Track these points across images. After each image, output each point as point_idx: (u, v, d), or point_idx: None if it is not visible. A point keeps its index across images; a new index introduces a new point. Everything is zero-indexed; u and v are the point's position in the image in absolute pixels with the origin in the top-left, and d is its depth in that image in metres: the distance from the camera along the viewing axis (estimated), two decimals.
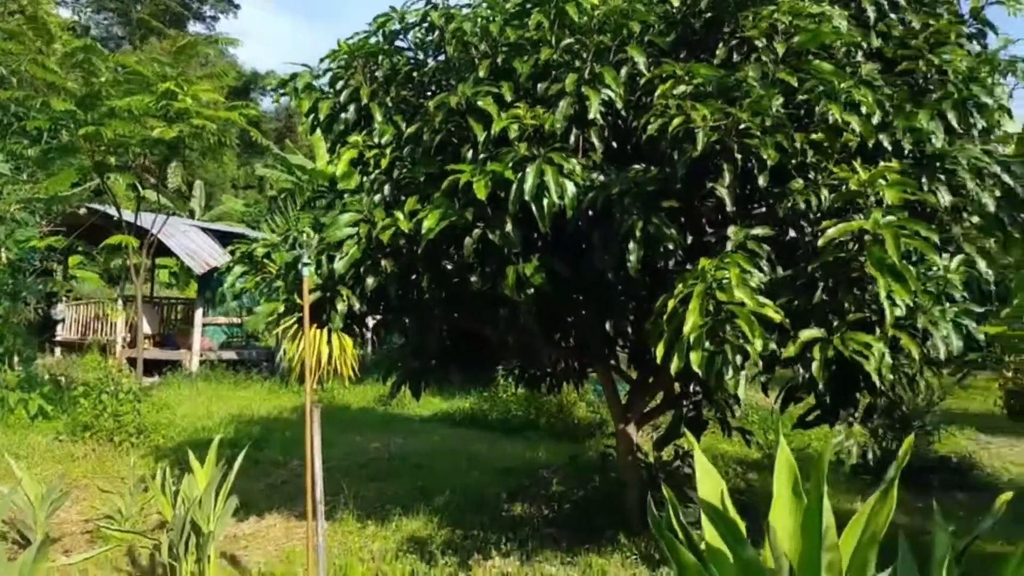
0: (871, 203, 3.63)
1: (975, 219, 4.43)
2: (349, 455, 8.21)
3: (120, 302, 14.82)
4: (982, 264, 4.12)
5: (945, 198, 4.02)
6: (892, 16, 4.52)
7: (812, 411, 4.46)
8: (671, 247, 3.89)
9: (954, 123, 4.17)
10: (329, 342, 12.84)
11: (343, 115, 4.86)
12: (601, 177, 4.12)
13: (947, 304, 3.86)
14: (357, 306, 4.56)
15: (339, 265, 4.30)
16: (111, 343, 14.50)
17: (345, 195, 5.19)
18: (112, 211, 12.51)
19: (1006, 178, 4.54)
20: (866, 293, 3.76)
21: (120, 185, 12.33)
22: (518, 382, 6.57)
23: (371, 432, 9.53)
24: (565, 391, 8.92)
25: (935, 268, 3.90)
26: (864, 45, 4.25)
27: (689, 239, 4.37)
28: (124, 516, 5.50)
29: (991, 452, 9.31)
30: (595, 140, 4.27)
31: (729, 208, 3.96)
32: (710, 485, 2.40)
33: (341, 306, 4.50)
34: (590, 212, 4.14)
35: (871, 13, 4.35)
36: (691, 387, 5.36)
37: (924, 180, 4.00)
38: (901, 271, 3.40)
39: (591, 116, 3.99)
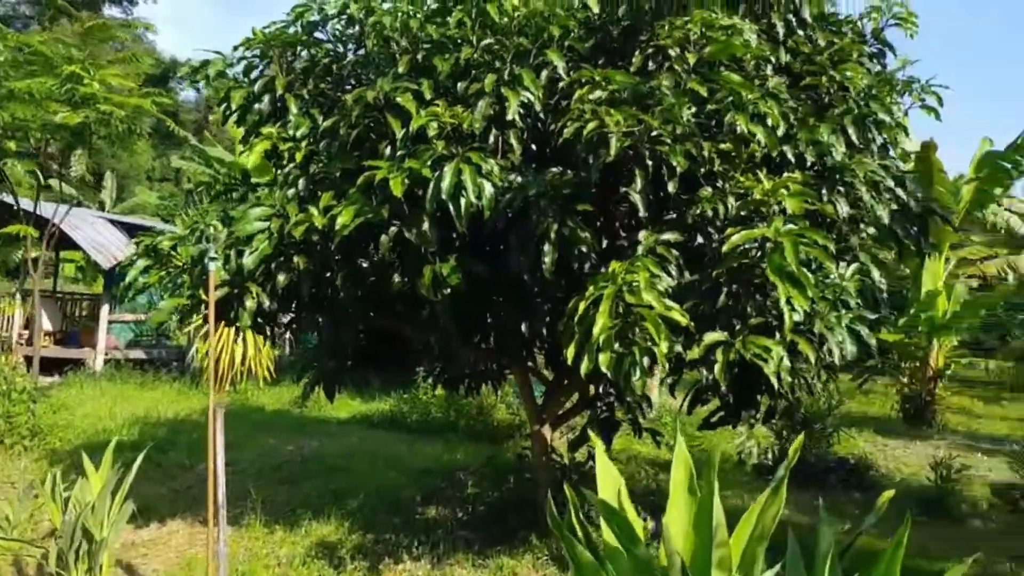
0: (774, 212, 3.77)
1: (871, 230, 4.67)
2: (261, 458, 7.96)
3: (18, 296, 13.95)
4: (876, 273, 4.34)
5: (844, 209, 4.21)
6: (800, 33, 4.71)
7: (716, 412, 4.59)
8: (585, 250, 3.94)
9: (854, 138, 4.38)
10: (244, 342, 12.42)
11: (257, 105, 4.72)
12: (519, 179, 4.13)
13: (843, 311, 4.05)
14: (267, 304, 4.42)
15: (248, 260, 4.16)
16: (5, 340, 13.64)
17: (259, 188, 5.04)
18: (9, 199, 11.78)
19: (900, 192, 4.81)
20: (768, 299, 3.90)
21: (19, 172, 11.60)
22: (435, 383, 6.52)
23: (286, 435, 9.27)
24: (485, 393, 8.93)
25: (832, 276, 4.09)
26: (773, 60, 4.41)
27: (604, 243, 4.45)
28: (12, 524, 5.17)
29: (887, 453, 9.82)
30: (514, 142, 4.28)
31: (642, 213, 4.04)
32: (609, 484, 2.43)
33: (250, 303, 4.36)
34: (508, 213, 4.15)
35: (780, 29, 4.53)
36: (604, 389, 5.45)
37: (824, 191, 4.18)
38: (799, 278, 3.54)
39: (510, 117, 4.00)
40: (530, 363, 5.83)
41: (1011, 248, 13.65)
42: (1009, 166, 11.75)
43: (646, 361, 3.60)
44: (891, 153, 5.44)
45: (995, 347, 18.48)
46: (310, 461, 7.87)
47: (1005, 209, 13.28)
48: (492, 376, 6.21)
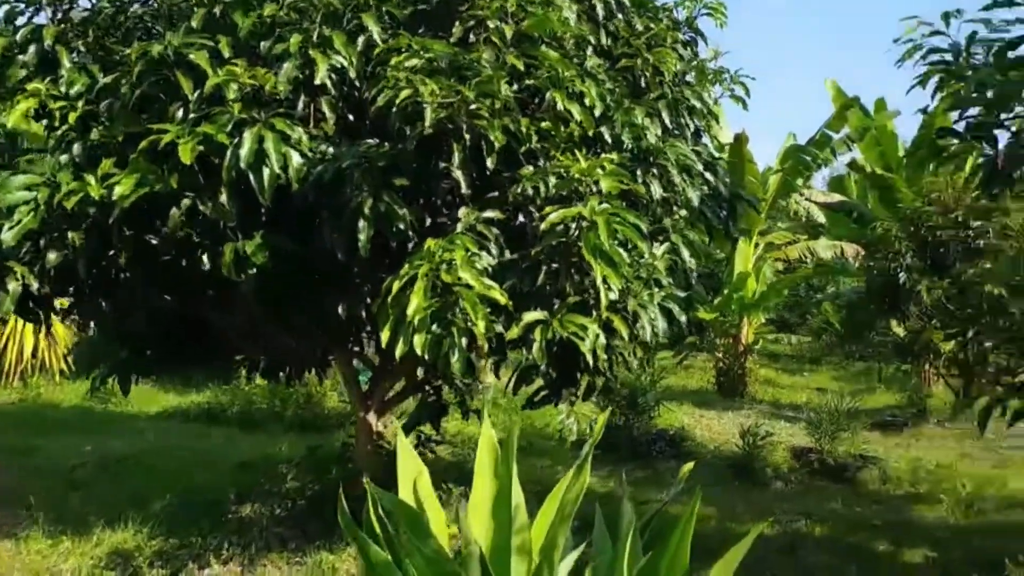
0: (591, 191, 3.78)
1: (683, 212, 4.85)
2: (50, 461, 7.08)
3: None
4: (686, 253, 4.51)
5: (657, 191, 4.33)
6: (619, 16, 4.78)
7: (540, 391, 4.60)
8: (403, 227, 3.75)
9: (667, 122, 4.52)
10: (36, 332, 10.99)
11: (21, 57, 4.07)
12: (332, 150, 3.86)
13: (655, 289, 4.16)
14: (36, 286, 3.84)
15: (7, 236, 3.58)
16: None
17: (31, 154, 4.37)
18: None
19: (710, 177, 5.04)
20: (586, 277, 3.93)
21: None
22: (250, 372, 6.07)
23: (84, 434, 8.34)
24: (314, 380, 8.53)
25: (646, 256, 4.19)
26: (593, 41, 4.43)
27: (429, 221, 4.28)
28: None
29: (703, 424, 10.52)
30: (327, 110, 4.00)
31: (464, 190, 3.92)
32: (409, 475, 2.28)
33: (13, 285, 3.76)
34: (320, 187, 3.87)
35: (600, 11, 4.56)
36: (432, 372, 5.31)
37: (640, 173, 4.27)
38: (613, 256, 3.58)
39: (318, 82, 3.71)
40: (357, 347, 5.57)
41: (810, 235, 15.06)
42: (809, 159, 12.93)
43: (464, 342, 3.50)
44: (704, 140, 5.72)
45: (797, 324, 20.45)
46: (110, 462, 7.11)
47: (806, 199, 14.60)
48: (314, 362, 5.86)
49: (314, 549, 4.78)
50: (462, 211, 3.83)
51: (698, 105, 4.75)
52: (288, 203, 3.90)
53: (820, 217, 15.09)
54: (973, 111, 4.19)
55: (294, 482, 5.95)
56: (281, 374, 6.10)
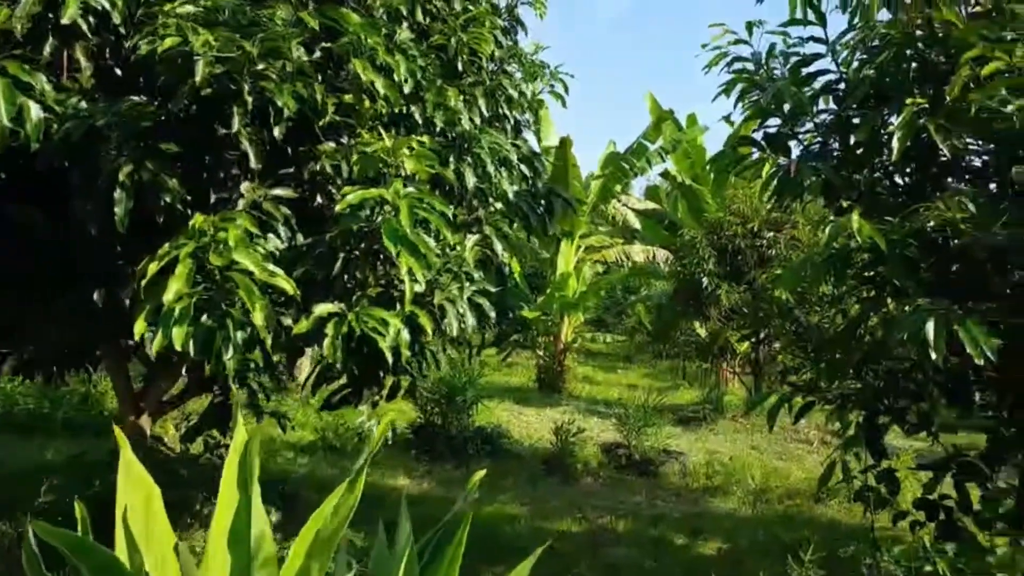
0: (396, 173, 3.43)
1: (499, 205, 4.64)
2: None
3: None
4: (499, 246, 4.29)
5: (471, 180, 4.07)
6: None
7: (341, 391, 4.19)
8: (170, 199, 3.18)
9: (484, 109, 4.27)
10: None
11: None
12: (85, 105, 3.21)
13: (466, 283, 3.89)
14: None
15: None
16: None
17: None
18: None
19: (527, 171, 4.86)
20: (391, 268, 3.58)
21: None
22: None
23: None
24: (98, 378, 7.47)
25: (457, 247, 3.92)
26: (406, 12, 4.08)
27: (213, 198, 3.71)
28: None
29: (521, 420, 10.52)
30: (82, 59, 3.33)
31: (253, 164, 3.42)
32: (129, 496, 1.81)
33: None
34: (71, 148, 3.20)
35: None
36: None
37: (453, 160, 3.98)
38: (418, 245, 3.25)
39: (67, 21, 3.05)
40: (131, 340, 4.81)
41: (626, 239, 15.70)
42: (627, 167, 13.43)
43: (239, 336, 3.02)
44: (525, 135, 5.56)
45: (613, 324, 21.35)
46: None
47: (624, 205, 15.20)
48: (77, 359, 5.00)
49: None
50: (245, 186, 3.33)
51: (516, 96, 4.55)
52: (30, 166, 3.21)
53: (636, 223, 15.78)
54: (773, 121, 4.32)
55: (50, 495, 5.06)
56: (38, 373, 5.16)
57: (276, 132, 3.19)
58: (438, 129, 3.98)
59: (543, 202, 5.24)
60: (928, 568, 2.58)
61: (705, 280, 11.32)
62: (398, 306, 3.53)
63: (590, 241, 14.88)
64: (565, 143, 12.77)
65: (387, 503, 5.28)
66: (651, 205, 15.77)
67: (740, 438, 9.59)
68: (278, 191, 3.44)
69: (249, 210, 3.27)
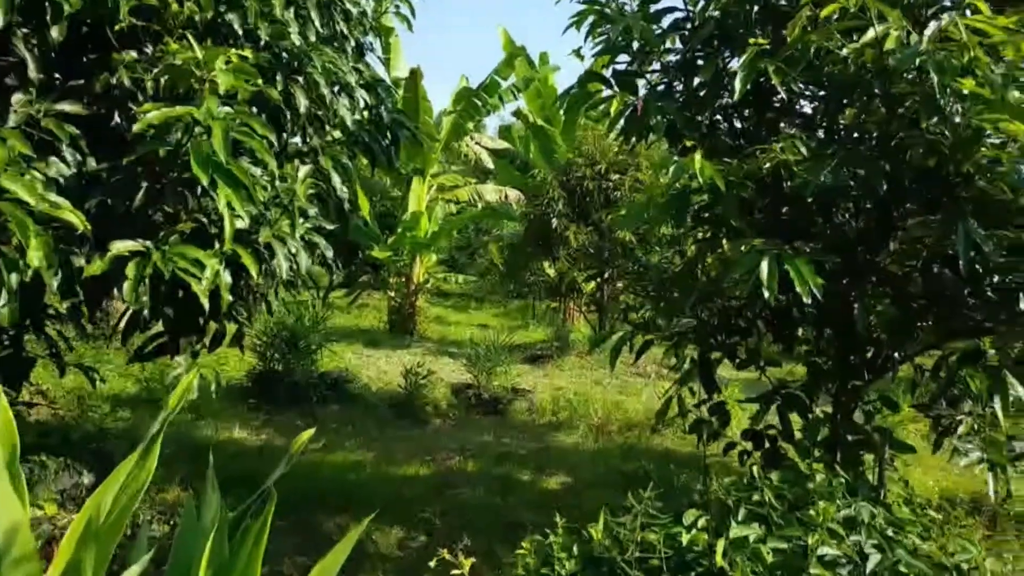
0: (214, 91, 2.97)
1: (338, 134, 4.25)
2: None
3: None
4: (337, 179, 3.93)
5: (303, 103, 3.65)
6: None
7: (156, 339, 3.72)
8: None
9: (317, 24, 3.83)
10: None
11: None
12: None
13: (299, 220, 3.53)
14: None
15: None
16: None
17: None
18: None
19: (368, 98, 4.48)
20: (210, 201, 3.15)
21: None
22: None
23: None
24: None
25: (288, 179, 3.53)
26: None
27: None
28: None
29: (371, 364, 10.24)
30: None
31: (32, 73, 2.85)
32: None
33: None
34: None
35: None
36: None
37: (280, 79, 3.55)
38: (238, 175, 2.85)
39: None
40: None
41: (479, 179, 15.52)
42: (480, 104, 13.13)
43: (15, 279, 2.52)
44: (368, 59, 5.14)
45: (466, 264, 21.33)
46: None
47: (476, 143, 14.95)
48: None
49: None
50: (17, 98, 2.75)
51: (355, 12, 4.13)
52: None
53: (489, 163, 15.62)
54: (623, 59, 4.22)
55: None
56: None
57: (54, 33, 2.63)
58: (263, 43, 3.52)
59: (388, 133, 4.89)
60: (756, 497, 2.67)
61: (555, 221, 11.42)
62: (216, 244, 3.13)
63: (442, 180, 14.56)
64: (415, 75, 12.24)
65: (221, 458, 4.89)
66: (504, 145, 15.62)
67: (585, 374, 9.89)
68: (64, 106, 2.88)
69: (23, 127, 2.71)
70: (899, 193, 3.33)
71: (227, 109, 2.87)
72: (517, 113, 14.72)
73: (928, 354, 3.88)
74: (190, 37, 2.98)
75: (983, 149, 2.97)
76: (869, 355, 3.95)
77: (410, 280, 13.62)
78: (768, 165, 3.50)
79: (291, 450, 2.04)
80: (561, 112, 13.99)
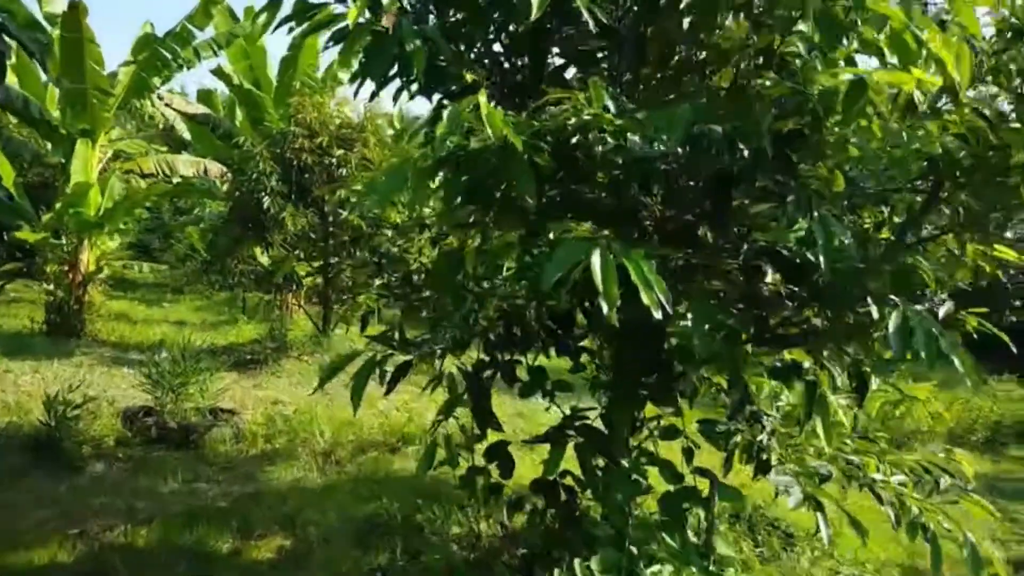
0: None
1: None
2: None
3: None
4: None
5: None
6: None
7: None
8: None
9: None
10: None
11: None
12: None
13: None
14: None
15: None
16: None
17: None
18: None
19: None
20: None
21: None
22: None
23: None
24: None
25: None
26: None
27: None
28: None
29: (11, 381, 7.48)
30: None
31: None
32: None
33: None
34: None
35: None
36: None
37: None
38: None
39: None
40: None
41: (172, 148, 12.79)
42: (170, 56, 10.58)
43: None
44: None
45: (161, 250, 17.97)
46: None
47: (167, 105, 12.21)
48: None
49: None
50: None
51: None
52: None
53: (185, 131, 12.95)
54: None
55: None
56: None
57: None
58: None
59: None
60: None
61: (267, 200, 9.53)
62: None
63: (121, 146, 11.64)
64: (77, 9, 9.36)
65: None
66: (204, 110, 13.04)
67: (307, 381, 8.27)
68: None
69: None
70: (746, 167, 2.45)
71: None
72: (219, 72, 12.30)
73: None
74: None
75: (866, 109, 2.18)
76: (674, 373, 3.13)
77: (75, 268, 10.61)
78: (573, 120, 2.43)
79: None
80: (274, 78, 11.96)
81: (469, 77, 2.60)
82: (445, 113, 2.25)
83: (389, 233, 5.27)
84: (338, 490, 5.10)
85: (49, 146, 11.87)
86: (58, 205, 10.38)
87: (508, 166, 2.30)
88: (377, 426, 6.42)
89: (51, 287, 10.62)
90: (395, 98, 3.24)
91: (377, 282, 4.40)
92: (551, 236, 2.23)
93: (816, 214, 2.32)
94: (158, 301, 15.41)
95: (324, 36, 2.94)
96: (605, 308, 1.83)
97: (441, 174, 2.56)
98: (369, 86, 2.98)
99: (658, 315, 1.94)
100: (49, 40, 10.11)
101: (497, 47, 3.20)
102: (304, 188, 9.70)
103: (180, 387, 6.17)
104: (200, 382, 6.38)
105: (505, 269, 3.31)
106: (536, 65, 3.18)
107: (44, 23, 10.27)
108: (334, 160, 9.59)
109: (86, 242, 10.66)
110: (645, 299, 1.91)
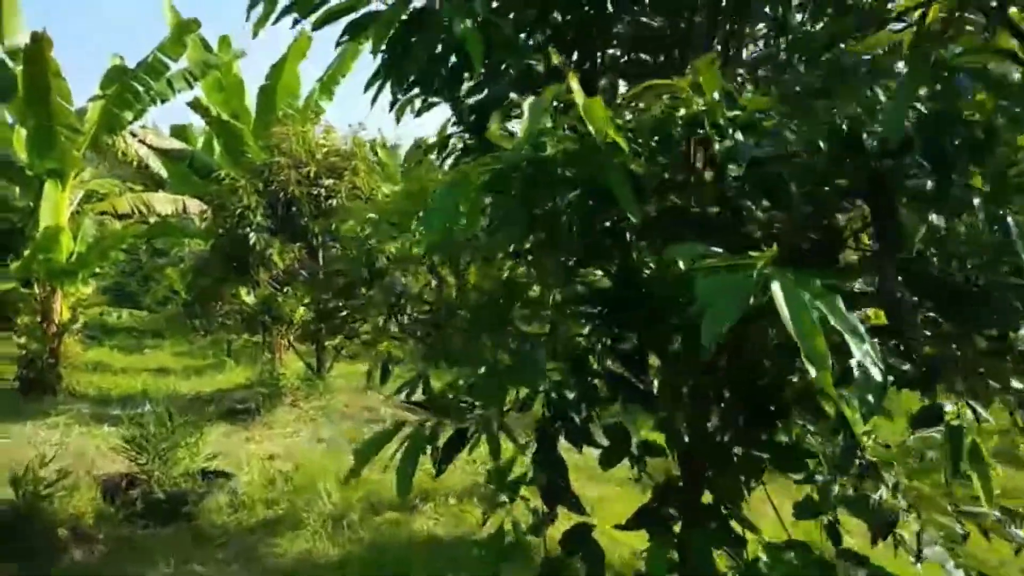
0: None
1: None
2: None
3: None
4: None
5: None
6: None
7: None
8: None
9: None
10: None
11: None
12: None
13: None
14: None
15: None
16: None
17: None
18: None
19: None
20: None
21: None
22: None
23: None
24: None
25: None
26: None
27: None
28: None
29: None
30: None
31: None
32: None
33: None
34: None
35: None
36: None
37: None
38: None
39: None
40: None
41: (147, 186, 12.06)
42: (142, 89, 9.93)
43: None
44: None
45: (139, 293, 17.12)
46: None
47: (140, 141, 11.51)
48: None
49: None
50: None
51: None
52: None
53: (161, 168, 12.23)
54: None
55: None
56: None
57: None
58: None
59: None
60: None
61: (253, 236, 8.84)
62: None
63: (93, 186, 10.91)
64: (41, 42, 8.69)
65: None
66: (179, 145, 12.35)
67: (304, 430, 7.54)
68: None
69: None
70: (897, 167, 1.86)
71: None
72: (194, 104, 11.64)
73: None
74: None
75: None
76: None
77: (49, 319, 9.81)
78: (682, 113, 1.85)
79: None
80: (250, 108, 11.32)
81: (556, 59, 1.98)
82: (526, 106, 1.64)
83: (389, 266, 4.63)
84: (355, 563, 4.39)
85: (17, 190, 11.10)
86: (27, 252, 9.61)
87: (604, 174, 1.69)
88: (388, 481, 5.71)
89: (23, 340, 9.80)
90: (419, 110, 2.65)
91: (392, 326, 3.74)
92: (670, 262, 1.62)
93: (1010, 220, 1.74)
94: (138, 347, 14.58)
95: (322, 37, 2.34)
96: (813, 371, 1.21)
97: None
98: (376, 97, 2.39)
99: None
100: (12, 76, 9.42)
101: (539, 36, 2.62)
102: (292, 222, 9.04)
103: (167, 451, 5.43)
104: (189, 444, 5.63)
105: (551, 301, 2.70)
106: (585, 55, 2.61)
107: (6, 58, 9.58)
108: (323, 190, 8.95)
109: (59, 290, 9.88)
110: (856, 354, 1.30)
